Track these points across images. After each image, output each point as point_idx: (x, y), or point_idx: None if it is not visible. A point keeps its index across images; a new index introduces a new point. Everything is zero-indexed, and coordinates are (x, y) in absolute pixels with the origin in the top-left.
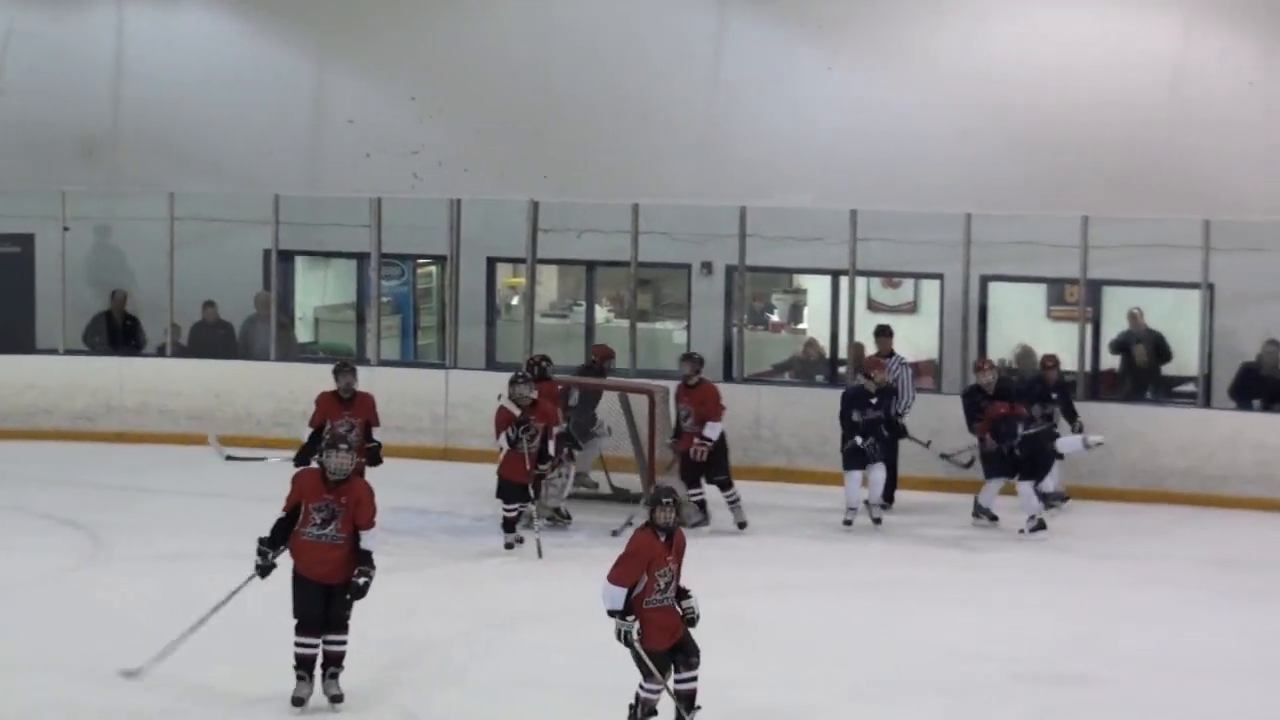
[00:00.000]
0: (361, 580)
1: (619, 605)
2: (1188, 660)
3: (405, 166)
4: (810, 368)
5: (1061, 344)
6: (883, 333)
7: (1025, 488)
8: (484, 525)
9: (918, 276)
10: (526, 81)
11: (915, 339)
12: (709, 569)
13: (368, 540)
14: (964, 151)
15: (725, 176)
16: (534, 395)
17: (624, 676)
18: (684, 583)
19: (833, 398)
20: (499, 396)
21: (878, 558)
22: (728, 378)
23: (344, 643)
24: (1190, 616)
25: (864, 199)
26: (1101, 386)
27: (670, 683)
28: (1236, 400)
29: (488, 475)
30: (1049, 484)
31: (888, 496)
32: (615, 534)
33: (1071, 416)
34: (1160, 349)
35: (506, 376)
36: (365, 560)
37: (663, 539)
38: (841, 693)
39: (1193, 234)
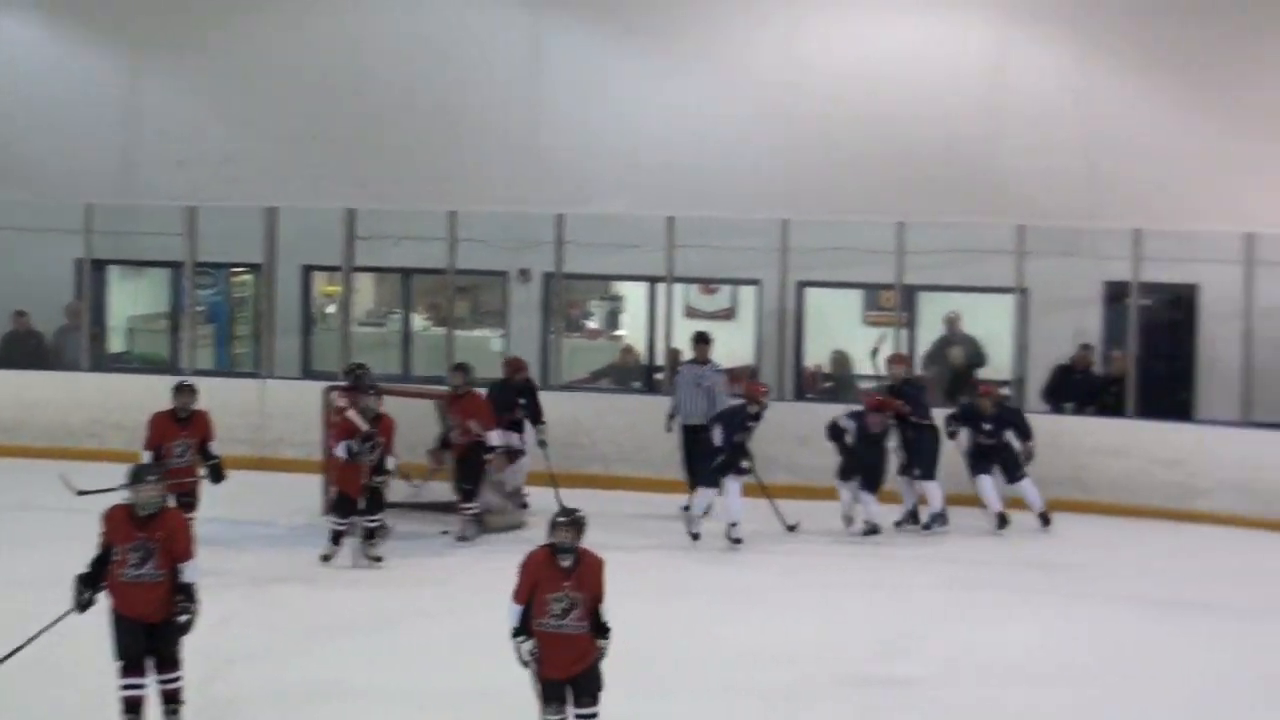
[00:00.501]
0: (183, 618)
1: (514, 623)
2: (1003, 661)
3: (220, 175)
4: (628, 374)
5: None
6: (701, 340)
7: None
8: (299, 535)
9: (735, 283)
10: (342, 89)
11: (732, 345)
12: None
13: (188, 573)
14: (781, 158)
15: (542, 183)
16: (380, 408)
17: (439, 683)
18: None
19: (650, 404)
20: (341, 408)
21: (698, 564)
22: (545, 385)
23: (179, 678)
24: (1006, 618)
25: (681, 205)
26: None
27: (570, 715)
28: (1050, 403)
29: (304, 484)
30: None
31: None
32: (459, 538)
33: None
34: (975, 353)
35: (323, 385)
36: (187, 594)
37: (564, 563)
38: (658, 696)
39: (1007, 239)
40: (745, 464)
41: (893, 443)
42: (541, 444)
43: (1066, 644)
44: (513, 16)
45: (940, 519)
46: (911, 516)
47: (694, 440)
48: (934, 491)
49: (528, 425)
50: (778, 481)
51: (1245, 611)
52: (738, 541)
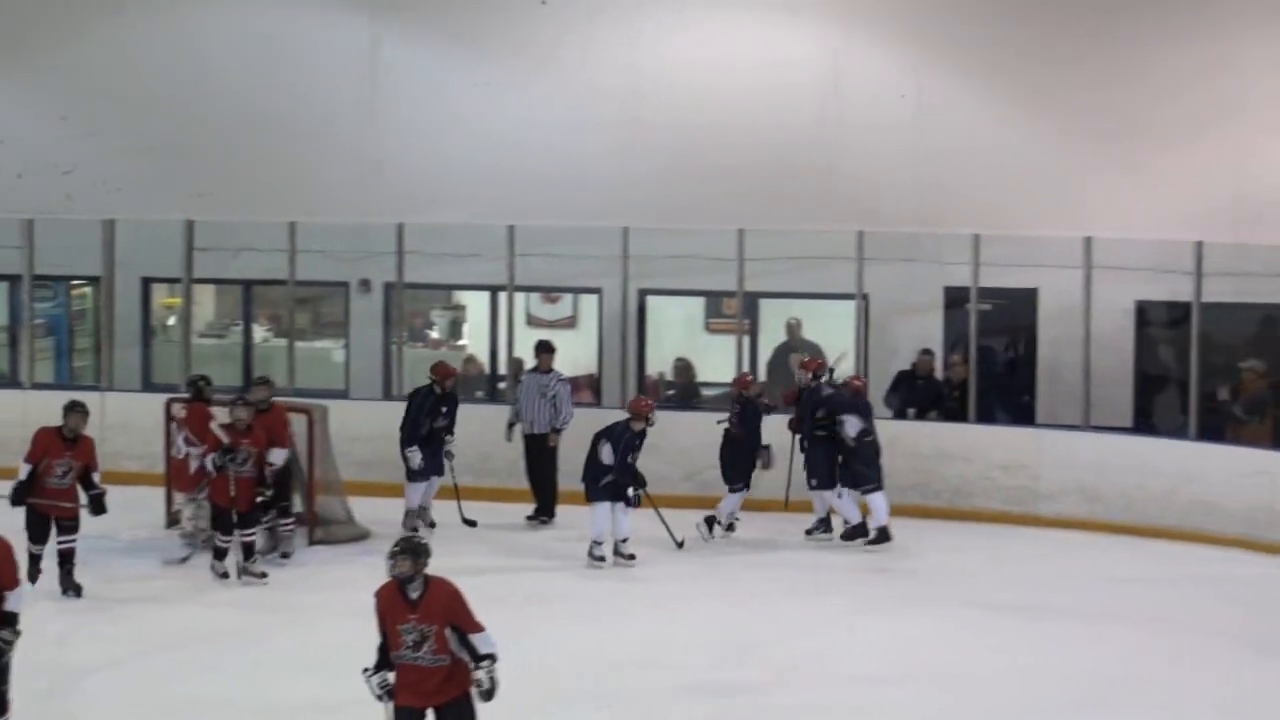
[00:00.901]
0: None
1: (377, 659)
2: (848, 665)
3: (58, 187)
4: (470, 384)
5: (720, 356)
6: (544, 349)
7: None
8: (141, 548)
9: (576, 291)
10: (180, 100)
11: (575, 354)
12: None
13: (13, 601)
14: (621, 166)
15: (383, 194)
16: (250, 420)
17: (284, 696)
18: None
19: (494, 413)
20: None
21: (545, 573)
22: (388, 396)
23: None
24: (850, 624)
25: (522, 214)
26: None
27: None
28: (891, 408)
29: (145, 497)
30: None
31: (547, 510)
32: (281, 555)
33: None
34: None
35: (164, 398)
36: (9, 622)
37: (412, 594)
38: (506, 705)
39: (847, 246)
40: (633, 493)
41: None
42: (448, 455)
43: (911, 648)
44: (352, 25)
45: (824, 525)
46: (823, 524)
47: (538, 450)
48: (824, 500)
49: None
50: None
51: (1086, 614)
52: (630, 558)
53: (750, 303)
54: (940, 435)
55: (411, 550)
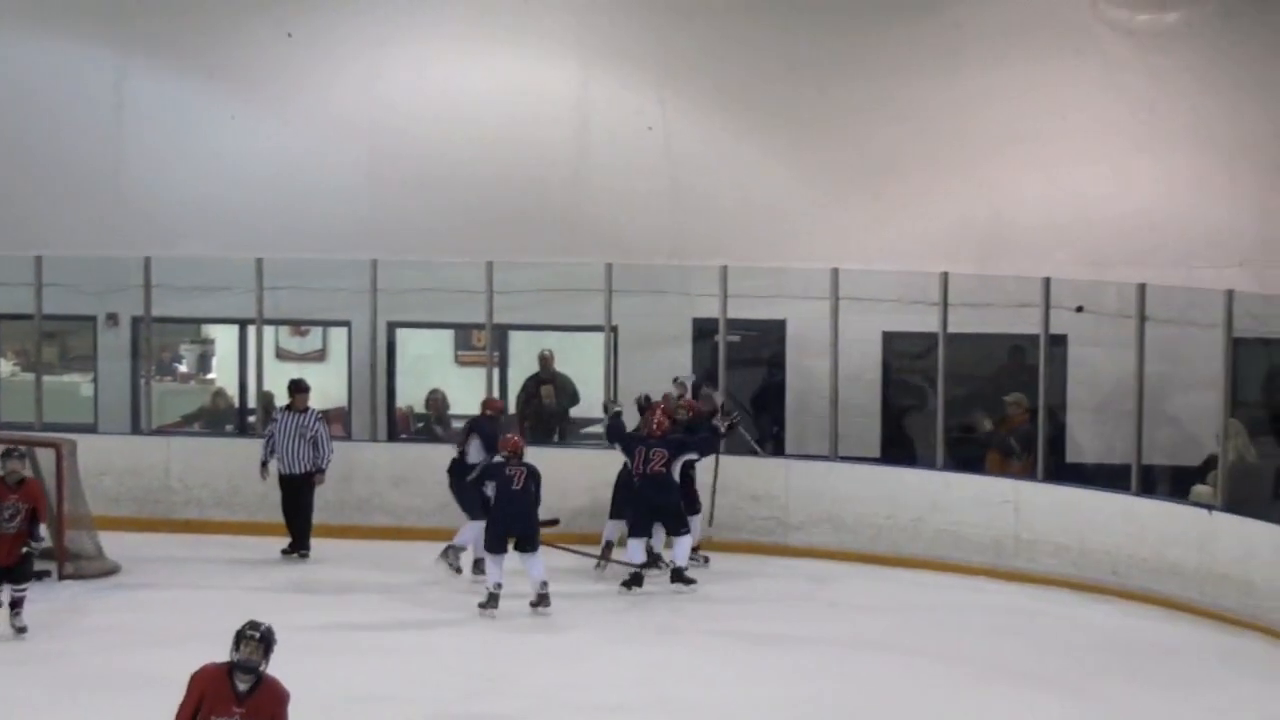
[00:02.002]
0: None
1: None
2: (596, 697)
3: None
4: (219, 417)
5: (470, 388)
6: (298, 389)
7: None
8: None
9: (325, 324)
10: None
11: (325, 387)
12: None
13: None
14: (368, 198)
15: (130, 227)
16: (26, 473)
17: None
18: None
19: (243, 447)
20: None
21: (292, 608)
22: (136, 430)
23: None
24: (599, 655)
25: (270, 247)
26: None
27: None
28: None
29: None
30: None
31: (303, 545)
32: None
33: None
34: (568, 391)
35: None
36: None
37: (241, 685)
38: None
39: (596, 278)
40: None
41: None
42: None
43: (661, 678)
44: (98, 58)
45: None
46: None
47: (296, 488)
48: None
49: None
50: (375, 523)
51: (834, 644)
52: (543, 599)
53: (500, 335)
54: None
55: (266, 639)
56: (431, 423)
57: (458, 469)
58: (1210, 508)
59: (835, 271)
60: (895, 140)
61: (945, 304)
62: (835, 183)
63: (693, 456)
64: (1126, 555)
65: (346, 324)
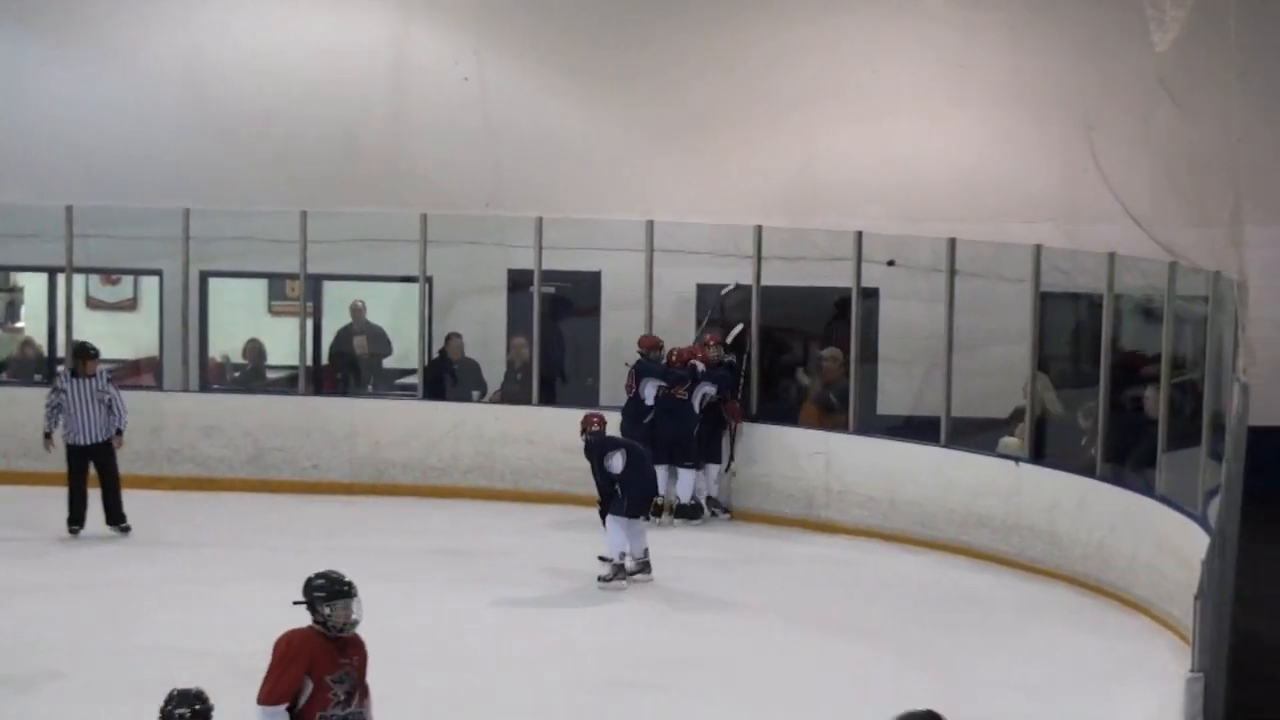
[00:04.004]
0: None
1: None
2: (404, 647)
3: None
4: (27, 367)
5: (283, 338)
6: (87, 354)
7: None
8: None
9: (137, 273)
10: None
11: (136, 336)
12: None
13: None
14: (182, 147)
15: None
16: None
17: None
18: None
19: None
20: None
21: (108, 559)
22: None
23: None
24: (409, 606)
25: (81, 195)
26: (324, 380)
27: None
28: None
29: None
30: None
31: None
32: None
33: None
34: (381, 342)
35: None
36: None
37: None
38: (45, 694)
39: (411, 228)
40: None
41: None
42: None
43: (475, 626)
44: None
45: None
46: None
47: (99, 458)
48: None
49: None
50: (185, 473)
51: (646, 595)
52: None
53: (313, 285)
54: (504, 417)
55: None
56: (248, 372)
57: (634, 411)
58: (1018, 460)
59: (650, 224)
60: (710, 93)
61: (759, 257)
62: (651, 135)
63: (710, 389)
64: (936, 506)
65: (158, 273)
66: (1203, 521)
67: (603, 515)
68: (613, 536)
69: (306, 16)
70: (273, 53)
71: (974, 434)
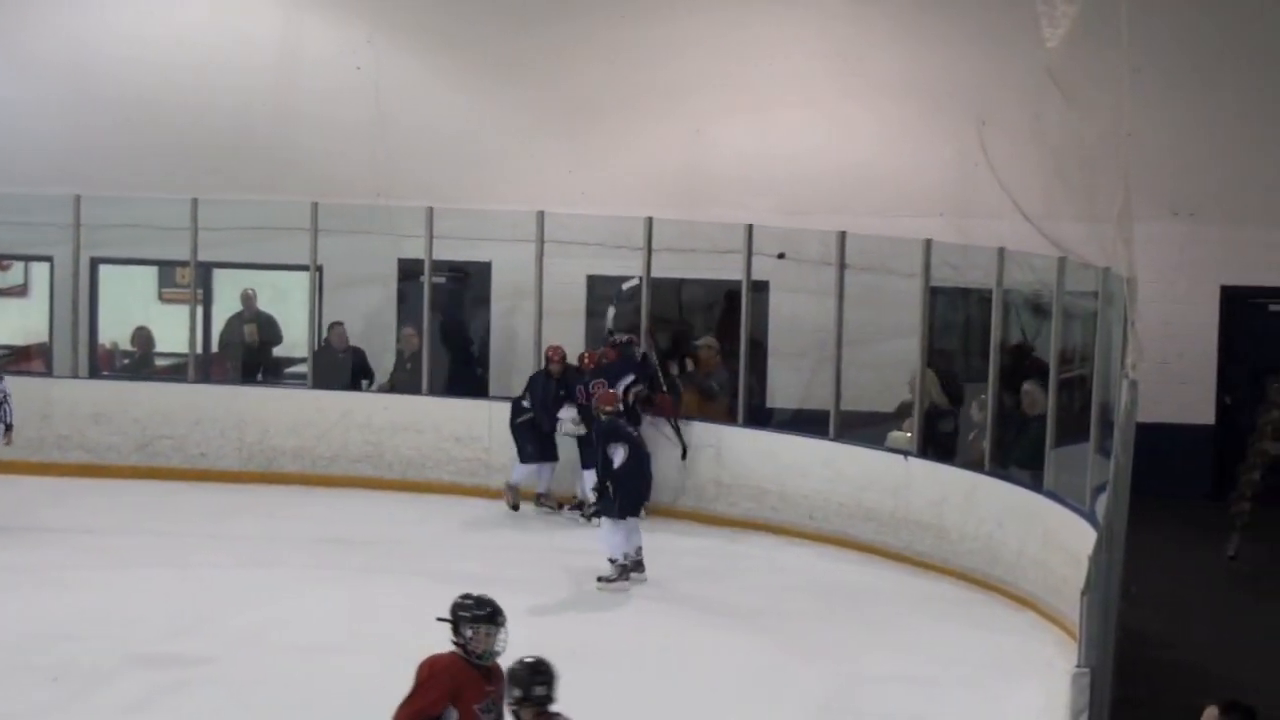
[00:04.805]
0: None
1: None
2: (299, 635)
3: None
4: None
5: (173, 326)
6: None
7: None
8: None
9: (27, 259)
10: None
11: (26, 323)
12: None
13: None
14: (72, 133)
15: None
16: None
17: None
18: None
19: None
20: None
21: None
22: None
23: None
24: (303, 594)
25: None
26: (213, 369)
27: None
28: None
29: None
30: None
31: None
32: None
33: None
34: (271, 330)
35: None
36: None
37: None
38: None
39: (301, 216)
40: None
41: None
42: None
43: (365, 616)
44: None
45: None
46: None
47: None
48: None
49: None
50: (74, 460)
51: (539, 585)
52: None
53: (204, 273)
54: (394, 407)
55: None
56: (137, 360)
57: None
58: (906, 454)
59: (540, 214)
60: (602, 84)
61: (649, 249)
62: (542, 125)
63: (630, 379)
64: (824, 500)
65: (49, 259)
66: (1090, 517)
67: (598, 500)
68: (610, 538)
69: (199, 3)
70: (164, 39)
71: (863, 428)
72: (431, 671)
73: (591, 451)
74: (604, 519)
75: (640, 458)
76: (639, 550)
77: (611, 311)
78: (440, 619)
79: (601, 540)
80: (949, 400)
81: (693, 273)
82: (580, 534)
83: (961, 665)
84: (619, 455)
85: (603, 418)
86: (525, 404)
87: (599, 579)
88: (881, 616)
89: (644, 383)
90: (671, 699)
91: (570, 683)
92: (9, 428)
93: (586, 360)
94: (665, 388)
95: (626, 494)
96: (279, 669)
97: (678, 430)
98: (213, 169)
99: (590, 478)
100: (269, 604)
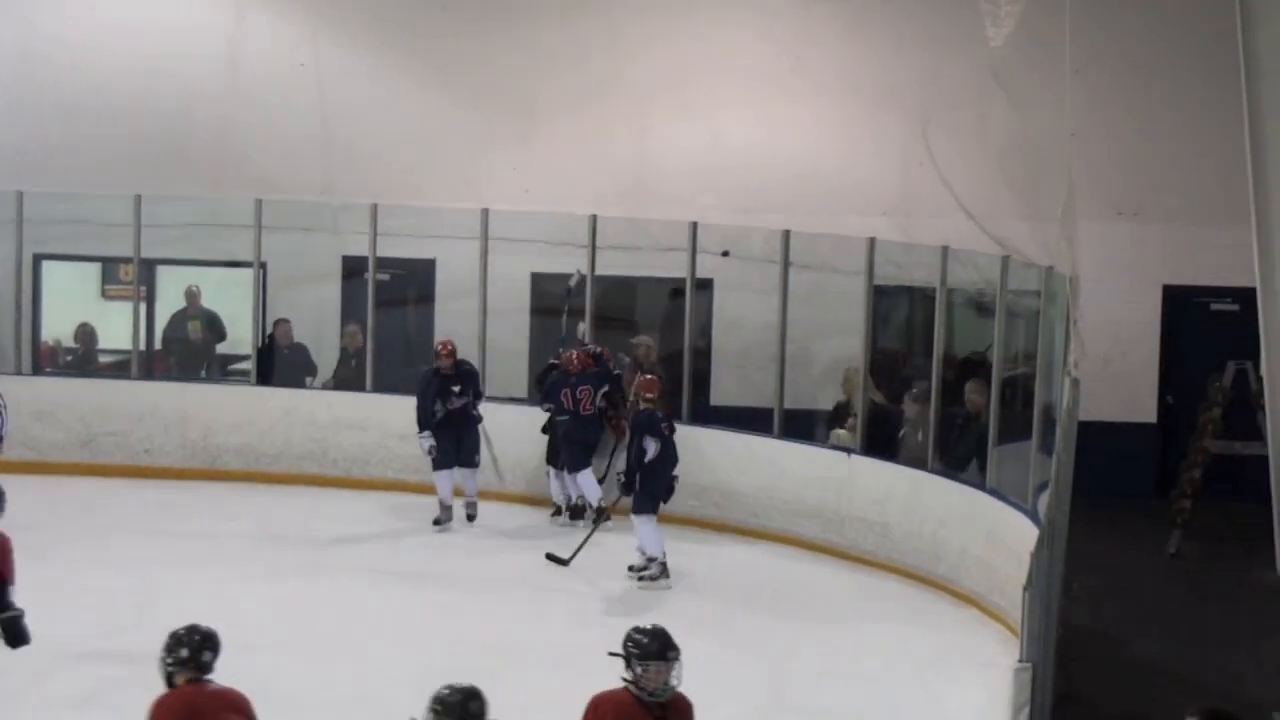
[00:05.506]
0: None
1: None
2: (235, 631)
3: None
4: None
5: (116, 322)
6: None
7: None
8: None
9: None
10: None
11: None
12: None
13: None
14: (13, 128)
15: None
16: None
17: None
18: None
19: None
20: None
21: None
22: None
23: None
24: (240, 591)
25: None
26: (156, 365)
27: None
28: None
29: None
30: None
31: None
32: None
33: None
34: (215, 327)
35: None
36: None
37: None
38: None
39: (245, 213)
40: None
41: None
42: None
43: (301, 613)
44: None
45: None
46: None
47: None
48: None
49: None
50: (16, 458)
51: (477, 581)
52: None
53: (147, 269)
54: (337, 404)
55: None
56: (80, 356)
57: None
58: (850, 451)
59: (485, 212)
60: (546, 81)
61: (594, 246)
62: (486, 123)
63: (605, 388)
64: (767, 498)
65: None
66: (1032, 515)
67: (627, 490)
68: (647, 537)
69: None
70: (105, 32)
71: (806, 426)
72: (595, 711)
73: (575, 453)
74: (634, 518)
75: (669, 453)
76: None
77: (582, 327)
78: (612, 654)
79: (641, 539)
80: (885, 398)
81: (637, 270)
82: (529, 530)
83: (904, 662)
84: (652, 448)
85: (642, 406)
86: (548, 407)
87: (640, 577)
88: (825, 614)
89: (613, 396)
90: None
91: (501, 678)
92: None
93: (575, 362)
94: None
95: (656, 487)
96: (221, 667)
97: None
98: (156, 165)
99: (582, 482)
100: (211, 601)
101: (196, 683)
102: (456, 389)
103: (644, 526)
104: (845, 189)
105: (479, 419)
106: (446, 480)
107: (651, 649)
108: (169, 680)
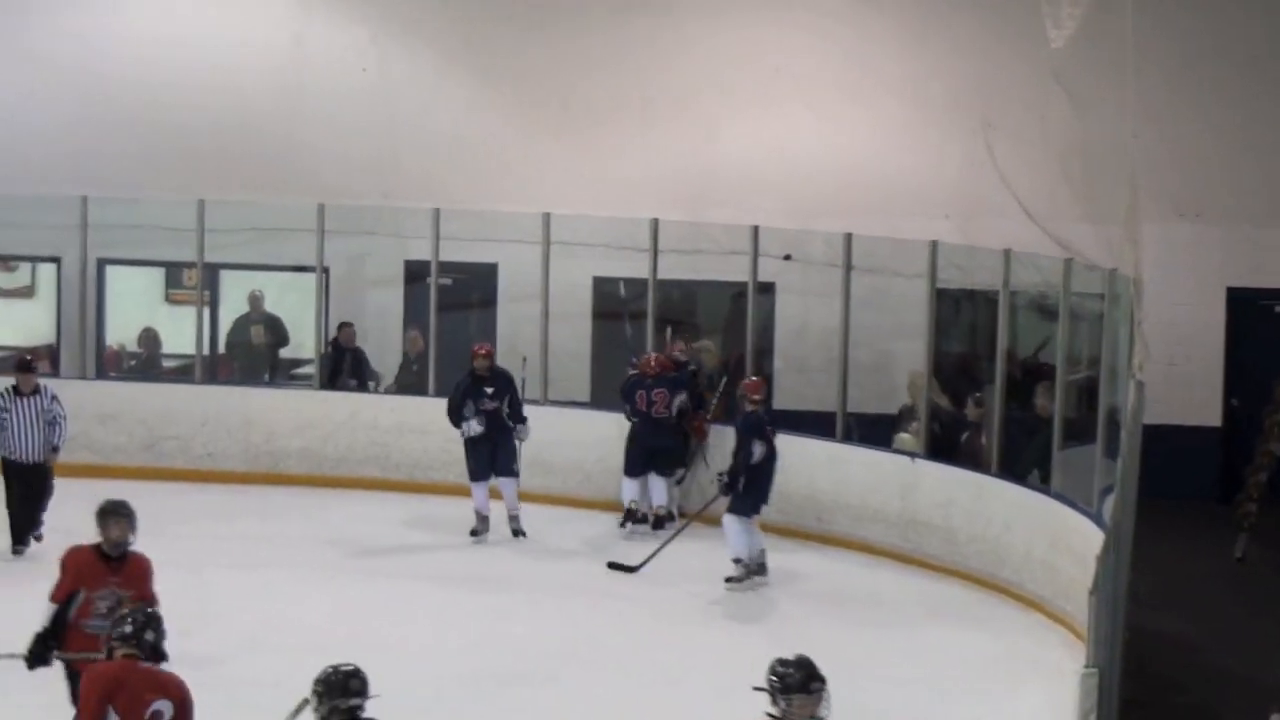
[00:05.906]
0: None
1: None
2: (300, 634)
3: None
4: None
5: (180, 327)
6: (25, 368)
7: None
8: None
9: (34, 260)
10: None
11: (34, 323)
12: None
13: None
14: (78, 133)
15: None
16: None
17: None
18: None
19: None
20: None
21: None
22: None
23: None
24: (304, 594)
25: None
26: (219, 370)
27: None
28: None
29: None
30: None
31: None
32: None
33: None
34: (278, 331)
35: None
36: None
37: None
38: None
39: (308, 218)
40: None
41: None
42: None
43: (368, 617)
44: None
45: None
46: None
47: (39, 478)
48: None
49: None
50: (80, 460)
51: (531, 585)
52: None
53: (211, 274)
54: (400, 408)
55: (131, 515)
56: (143, 361)
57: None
58: (914, 455)
59: (547, 216)
60: (607, 86)
61: (655, 250)
62: (548, 127)
63: (684, 394)
64: (831, 501)
65: (56, 260)
66: (1097, 518)
67: (727, 490)
68: (736, 538)
69: (204, 4)
70: (170, 40)
71: (870, 430)
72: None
73: (635, 455)
74: (727, 518)
75: (773, 457)
76: (762, 552)
77: (669, 330)
78: (756, 689)
79: (728, 540)
80: (951, 401)
81: (699, 274)
82: (590, 537)
83: (969, 667)
84: (758, 451)
85: (748, 408)
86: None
87: (726, 579)
88: (889, 619)
89: (690, 400)
90: (675, 701)
91: (573, 684)
92: (55, 449)
93: (653, 364)
94: (707, 414)
95: (759, 491)
96: (282, 670)
97: (691, 453)
98: (219, 170)
99: (661, 487)
100: (273, 605)
101: (132, 659)
102: (490, 390)
103: (734, 527)
104: (906, 192)
105: (513, 427)
106: (483, 491)
107: (794, 681)
108: (109, 653)
